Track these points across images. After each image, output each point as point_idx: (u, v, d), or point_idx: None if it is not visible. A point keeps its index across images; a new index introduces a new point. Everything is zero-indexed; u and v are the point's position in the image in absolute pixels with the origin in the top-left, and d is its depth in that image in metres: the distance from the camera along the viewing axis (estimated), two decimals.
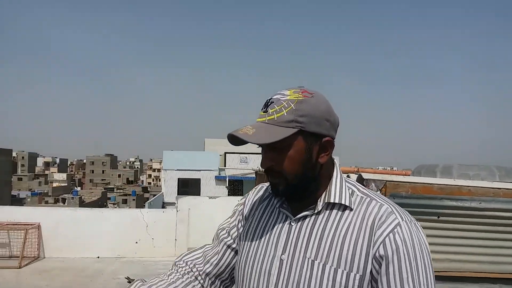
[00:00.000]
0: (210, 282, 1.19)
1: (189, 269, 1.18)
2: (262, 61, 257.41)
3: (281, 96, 1.01)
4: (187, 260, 1.20)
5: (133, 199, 71.92)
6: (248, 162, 27.37)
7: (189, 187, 27.41)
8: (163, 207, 21.34)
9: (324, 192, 1.04)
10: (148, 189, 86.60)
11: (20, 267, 6.63)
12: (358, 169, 2.87)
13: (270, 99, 1.02)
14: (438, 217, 2.58)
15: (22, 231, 7.00)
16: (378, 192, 2.54)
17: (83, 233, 7.51)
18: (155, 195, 31.10)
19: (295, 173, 1.01)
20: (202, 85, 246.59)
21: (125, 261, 7.34)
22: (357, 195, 1.04)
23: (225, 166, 28.30)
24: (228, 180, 27.13)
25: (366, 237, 0.97)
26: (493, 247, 2.59)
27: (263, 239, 1.09)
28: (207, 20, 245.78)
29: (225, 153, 28.81)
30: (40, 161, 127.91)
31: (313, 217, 1.03)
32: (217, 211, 7.73)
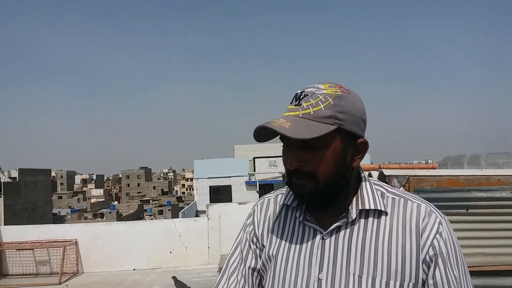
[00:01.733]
0: None
1: None
2: (288, 66, 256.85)
3: (316, 89, 0.91)
4: None
5: (169, 210, 73.01)
6: (277, 165, 27.29)
7: (221, 194, 27.64)
8: (196, 215, 21.59)
9: (355, 198, 0.94)
10: (183, 199, 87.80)
11: (60, 283, 6.85)
12: (380, 165, 2.79)
13: (302, 92, 0.91)
14: (467, 210, 2.47)
15: (61, 248, 7.23)
16: (402, 188, 2.46)
17: (119, 247, 7.69)
18: (189, 204, 31.50)
19: (328, 176, 0.89)
20: (229, 93, 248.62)
21: (160, 271, 7.45)
22: (388, 196, 0.96)
23: (254, 171, 28.35)
24: (259, 184, 27.16)
25: (413, 242, 0.90)
26: None
27: (291, 259, 0.96)
28: (232, 30, 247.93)
29: (254, 158, 28.87)
30: (78, 179, 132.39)
31: (348, 228, 0.93)
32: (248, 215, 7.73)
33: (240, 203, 8.33)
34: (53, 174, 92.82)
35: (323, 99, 0.88)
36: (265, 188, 26.94)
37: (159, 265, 7.68)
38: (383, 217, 0.93)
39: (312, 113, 0.88)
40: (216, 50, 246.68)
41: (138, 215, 69.14)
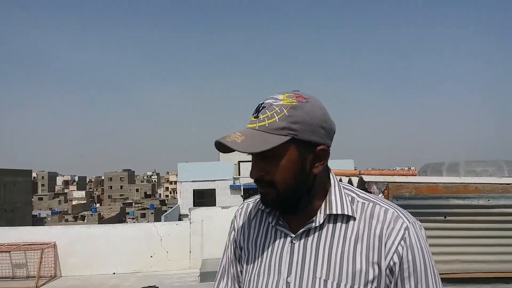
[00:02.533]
0: None
1: None
2: (274, 67, 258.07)
3: (274, 100, 0.94)
4: None
5: (151, 213, 72.30)
6: None
7: (204, 198, 27.49)
8: (179, 219, 21.42)
9: (324, 203, 0.97)
10: (166, 202, 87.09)
11: (36, 287, 6.69)
12: (360, 171, 2.81)
13: (262, 104, 0.95)
14: (445, 217, 2.49)
15: (38, 251, 7.08)
16: (381, 194, 2.47)
17: (99, 250, 7.56)
18: (173, 207, 31.24)
19: (286, 184, 0.93)
20: (214, 95, 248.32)
21: (140, 275, 7.35)
22: (358, 201, 0.98)
23: (239, 175, 28.31)
24: (243, 189, 27.13)
25: (376, 248, 0.91)
26: (504, 245, 2.49)
27: (263, 263, 1.00)
28: (214, 31, 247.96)
29: (239, 162, 28.84)
30: (59, 180, 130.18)
31: (316, 232, 0.96)
32: (230, 221, 7.69)
33: (223, 207, 8.29)
34: (34, 175, 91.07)
35: (278, 111, 0.91)
36: (249, 192, 26.92)
37: (140, 269, 7.58)
38: (351, 222, 0.95)
39: (267, 125, 0.91)
40: (201, 52, 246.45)
41: (120, 218, 68.25)
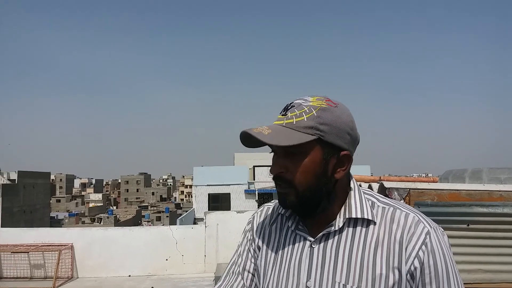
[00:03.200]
0: None
1: None
2: (288, 73, 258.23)
3: (303, 101, 0.94)
4: None
5: (167, 216, 72.84)
6: None
7: (219, 202, 27.57)
8: (194, 223, 21.51)
9: (343, 207, 0.96)
10: (181, 206, 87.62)
11: None
12: (380, 177, 2.76)
13: (291, 103, 0.96)
14: (468, 225, 2.43)
15: (56, 252, 7.17)
16: (402, 201, 2.42)
17: (115, 252, 7.62)
18: (188, 211, 31.41)
19: (307, 185, 0.92)
20: (230, 100, 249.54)
21: (155, 278, 7.37)
22: (378, 206, 0.96)
23: (254, 179, 28.31)
24: (258, 193, 27.11)
25: (397, 252, 0.89)
26: None
27: (282, 267, 0.99)
28: (230, 36, 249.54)
29: (254, 166, 28.87)
30: (77, 183, 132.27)
31: (336, 236, 0.95)
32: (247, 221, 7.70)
33: (238, 212, 8.27)
34: (52, 177, 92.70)
35: (307, 110, 0.92)
36: (264, 197, 26.89)
37: (155, 272, 7.61)
38: (371, 226, 0.94)
39: (294, 122, 0.92)
40: (217, 55, 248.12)
41: (136, 221, 68.96)
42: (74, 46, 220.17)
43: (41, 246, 7.35)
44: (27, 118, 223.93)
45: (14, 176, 49.12)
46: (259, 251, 1.08)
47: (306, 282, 0.94)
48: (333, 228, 0.95)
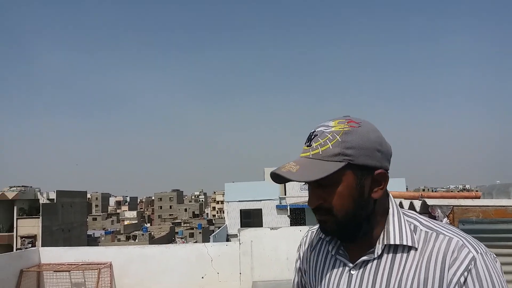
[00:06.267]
0: None
1: None
2: (317, 85, 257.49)
3: (325, 128, 0.94)
4: None
5: (199, 232, 73.31)
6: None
7: (251, 217, 27.51)
8: (227, 239, 21.53)
9: (382, 232, 0.94)
10: (213, 222, 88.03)
11: None
12: (421, 194, 2.69)
13: (313, 132, 0.95)
14: None
15: (96, 270, 7.34)
16: (446, 218, 2.36)
17: (152, 270, 7.72)
18: (220, 227, 31.49)
19: (345, 211, 0.92)
20: (260, 115, 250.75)
21: None
22: (421, 230, 0.93)
23: (285, 194, 28.13)
24: (290, 209, 26.88)
25: (436, 278, 0.86)
26: None
27: None
28: (261, 49, 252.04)
29: None
30: (112, 201, 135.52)
31: (375, 262, 0.93)
32: (279, 242, 7.64)
33: (272, 228, 8.24)
34: (88, 196, 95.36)
35: (331, 137, 0.91)
36: (296, 212, 26.63)
37: None
38: (412, 251, 0.91)
39: (320, 152, 0.91)
40: (246, 70, 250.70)
41: (169, 238, 69.75)
42: (103, 66, 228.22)
43: (81, 264, 7.55)
44: (64, 141, 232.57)
45: (53, 195, 50.85)
46: (306, 276, 1.10)
47: None
48: (372, 255, 0.94)
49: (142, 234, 67.39)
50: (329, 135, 0.92)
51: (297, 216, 26.54)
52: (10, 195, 46.21)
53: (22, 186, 49.25)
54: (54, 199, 50.41)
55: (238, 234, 8.32)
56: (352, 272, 0.95)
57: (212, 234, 22.37)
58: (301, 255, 1.14)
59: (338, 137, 0.91)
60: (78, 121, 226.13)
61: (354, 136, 0.91)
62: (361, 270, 0.94)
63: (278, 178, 0.94)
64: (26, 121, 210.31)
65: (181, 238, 70.22)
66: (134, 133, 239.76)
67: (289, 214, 26.90)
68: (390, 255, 0.92)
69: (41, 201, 47.94)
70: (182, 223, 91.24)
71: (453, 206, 2.32)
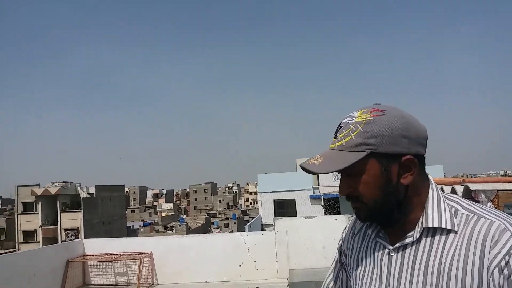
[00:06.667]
0: None
1: None
2: (347, 76, 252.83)
3: (350, 119, 0.97)
4: None
5: (234, 223, 74.17)
6: None
7: (285, 208, 27.57)
8: (262, 229, 21.69)
9: (421, 216, 0.94)
10: (247, 212, 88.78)
11: None
12: (463, 179, 2.61)
13: (339, 124, 0.98)
14: None
15: (137, 260, 7.60)
16: (490, 203, 2.30)
17: (191, 259, 7.90)
18: (254, 217, 31.75)
19: (374, 198, 0.94)
20: (291, 106, 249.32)
21: (231, 284, 7.54)
22: (462, 213, 0.92)
23: (318, 184, 27.97)
24: (323, 198, 26.73)
25: (476, 261, 0.85)
26: None
27: (364, 273, 1.03)
28: (289, 42, 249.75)
29: None
30: (149, 194, 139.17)
31: (414, 245, 0.94)
32: (314, 231, 7.63)
33: (306, 218, 8.23)
34: (126, 189, 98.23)
35: (354, 128, 0.94)
36: (330, 201, 26.47)
37: (230, 278, 7.78)
38: (451, 235, 0.90)
39: (344, 144, 0.94)
40: (276, 61, 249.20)
41: (205, 228, 71.00)
42: (133, 63, 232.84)
43: (123, 255, 7.83)
44: (104, 139, 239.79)
45: (92, 190, 52.67)
46: (348, 260, 1.14)
47: None
48: (411, 239, 0.94)
49: (179, 225, 68.87)
50: (352, 126, 0.95)
51: (331, 206, 26.37)
52: (53, 190, 48.29)
53: (64, 182, 51.27)
54: (93, 193, 52.26)
55: (273, 224, 8.36)
56: (391, 254, 0.97)
57: (247, 224, 22.61)
58: (343, 236, 1.19)
59: (360, 127, 0.93)
60: (115, 122, 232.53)
61: (376, 125, 0.92)
62: (400, 253, 0.95)
63: (306, 170, 0.98)
64: (66, 119, 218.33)
65: (217, 228, 71.27)
66: (168, 129, 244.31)
67: (323, 203, 26.77)
68: (429, 238, 0.92)
69: (81, 196, 49.84)
70: (217, 214, 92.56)
71: (498, 190, 2.26)
